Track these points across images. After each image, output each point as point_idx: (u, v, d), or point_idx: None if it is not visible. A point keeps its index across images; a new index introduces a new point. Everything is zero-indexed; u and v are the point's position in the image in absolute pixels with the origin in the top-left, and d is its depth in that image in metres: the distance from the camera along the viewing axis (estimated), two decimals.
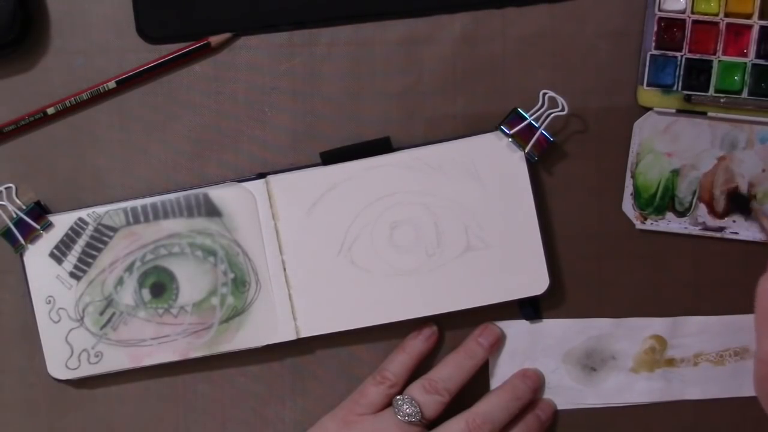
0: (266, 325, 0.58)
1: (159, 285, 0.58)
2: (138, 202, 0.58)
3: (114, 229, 0.58)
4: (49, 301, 0.58)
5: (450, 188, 0.58)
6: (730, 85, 0.58)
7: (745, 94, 0.58)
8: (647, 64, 0.58)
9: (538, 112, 0.58)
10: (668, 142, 0.59)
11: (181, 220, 0.58)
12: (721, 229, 0.59)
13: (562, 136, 0.59)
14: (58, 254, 0.58)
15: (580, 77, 0.59)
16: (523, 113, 0.58)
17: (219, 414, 0.61)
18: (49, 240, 0.58)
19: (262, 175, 0.58)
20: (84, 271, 0.58)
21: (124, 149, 0.60)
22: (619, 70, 0.59)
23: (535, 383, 0.60)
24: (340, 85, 0.59)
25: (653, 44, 0.58)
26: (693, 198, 0.59)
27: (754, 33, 0.57)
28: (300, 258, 0.58)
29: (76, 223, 0.58)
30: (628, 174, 0.59)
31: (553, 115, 0.57)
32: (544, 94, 0.57)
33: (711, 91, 0.58)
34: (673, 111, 0.58)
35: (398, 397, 0.57)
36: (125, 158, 0.60)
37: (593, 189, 0.60)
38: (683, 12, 0.57)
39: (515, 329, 0.60)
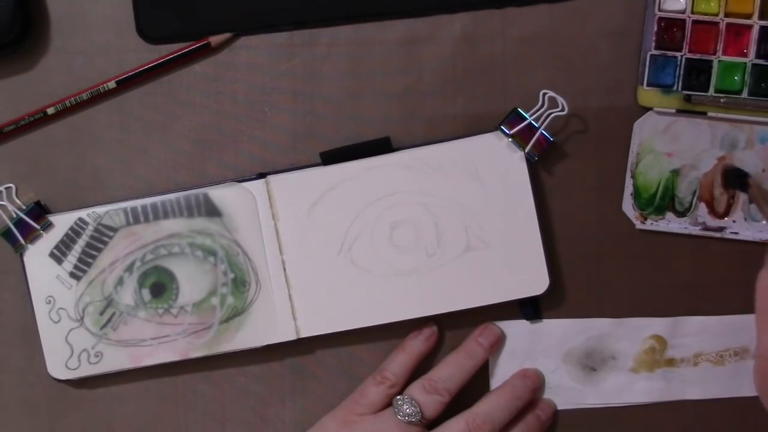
0: (266, 325, 0.58)
1: (159, 285, 0.58)
2: (138, 202, 0.58)
3: (114, 229, 0.58)
4: (49, 301, 0.58)
5: (450, 188, 0.58)
6: (730, 85, 0.58)
7: (745, 94, 0.58)
8: (647, 64, 0.58)
9: (538, 112, 0.58)
10: (668, 142, 0.59)
11: (181, 220, 0.58)
12: (721, 229, 0.59)
13: (562, 136, 0.59)
14: (58, 254, 0.58)
15: (580, 77, 0.59)
16: (523, 113, 0.58)
17: (219, 414, 0.61)
18: (49, 240, 0.58)
19: (262, 175, 0.58)
20: (84, 271, 0.58)
21: (124, 149, 0.60)
22: (619, 70, 0.59)
23: (535, 383, 0.60)
24: (340, 85, 0.59)
25: (653, 44, 0.58)
26: (693, 198, 0.59)
27: (754, 33, 0.57)
28: (300, 258, 0.58)
29: (76, 223, 0.58)
30: (628, 174, 0.59)
31: (553, 115, 0.57)
32: (544, 94, 0.57)
33: (711, 91, 0.58)
34: (673, 111, 0.58)
35: (398, 397, 0.57)
36: (125, 158, 0.60)
37: (593, 189, 0.60)
38: (683, 12, 0.57)
39: (515, 329, 0.60)
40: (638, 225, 0.60)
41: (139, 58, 0.59)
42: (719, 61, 0.58)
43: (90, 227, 0.58)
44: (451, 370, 0.58)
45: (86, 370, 0.59)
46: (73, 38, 0.59)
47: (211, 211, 0.58)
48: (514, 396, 0.59)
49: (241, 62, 0.59)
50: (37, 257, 0.58)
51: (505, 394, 0.59)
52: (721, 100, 0.58)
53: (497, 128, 0.58)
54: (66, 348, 0.59)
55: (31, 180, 0.60)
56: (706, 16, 0.57)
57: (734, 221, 0.59)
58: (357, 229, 0.58)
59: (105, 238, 0.58)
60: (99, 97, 0.59)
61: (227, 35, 0.59)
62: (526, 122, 0.57)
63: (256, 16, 0.59)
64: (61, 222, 0.58)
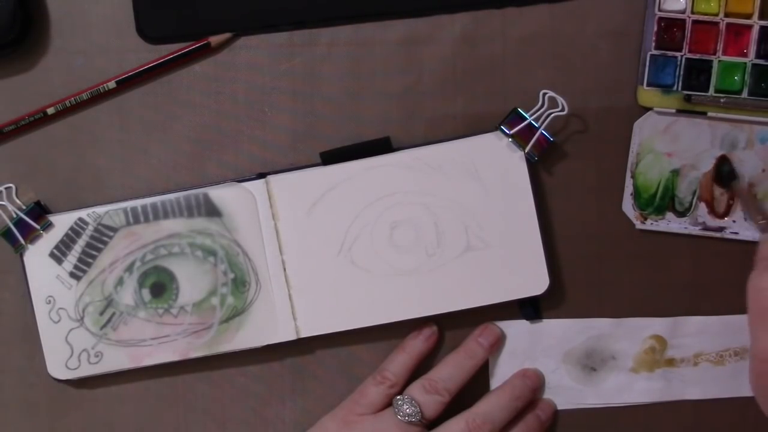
0: (266, 325, 0.58)
1: (159, 285, 0.58)
2: (138, 202, 0.58)
3: (114, 229, 0.58)
4: (49, 301, 0.58)
5: (450, 188, 0.58)
6: (730, 85, 0.58)
7: (745, 94, 0.58)
8: (647, 64, 0.58)
9: (538, 112, 0.58)
10: (668, 142, 0.59)
11: (181, 220, 0.58)
12: (721, 229, 0.59)
13: (562, 136, 0.59)
14: (58, 254, 0.58)
15: (580, 77, 0.59)
16: (523, 113, 0.58)
17: (219, 414, 0.61)
18: (49, 240, 0.58)
19: (262, 175, 0.58)
20: (84, 271, 0.58)
21: (124, 149, 0.60)
22: (619, 70, 0.59)
23: (535, 383, 0.60)
24: (340, 85, 0.59)
25: (653, 44, 0.58)
26: (693, 198, 0.59)
27: (754, 33, 0.57)
28: (300, 258, 0.58)
29: (76, 223, 0.58)
30: (628, 174, 0.59)
31: (553, 115, 0.57)
32: (544, 94, 0.57)
33: (711, 91, 0.58)
34: (673, 111, 0.58)
35: (398, 397, 0.57)
36: (125, 158, 0.60)
37: (593, 189, 0.60)
38: (683, 12, 0.57)
39: (515, 329, 0.60)
40: (638, 225, 0.60)
41: (139, 58, 0.59)
42: (719, 61, 0.58)
43: (90, 227, 0.58)
44: (451, 370, 0.58)
45: (86, 370, 0.59)
46: (73, 38, 0.59)
47: (211, 211, 0.58)
48: (514, 396, 0.59)
49: (241, 62, 0.59)
50: (37, 257, 0.58)
51: (505, 394, 0.59)
52: (721, 100, 0.58)
53: (497, 128, 0.58)
54: (66, 348, 0.59)
55: (31, 180, 0.60)
56: (706, 16, 0.57)
57: (734, 221, 0.59)
58: (357, 229, 0.58)
59: (105, 238, 0.58)
60: (99, 97, 0.59)
61: (227, 35, 0.59)
62: (526, 122, 0.57)
63: (256, 16, 0.59)
64: (61, 222, 0.58)
